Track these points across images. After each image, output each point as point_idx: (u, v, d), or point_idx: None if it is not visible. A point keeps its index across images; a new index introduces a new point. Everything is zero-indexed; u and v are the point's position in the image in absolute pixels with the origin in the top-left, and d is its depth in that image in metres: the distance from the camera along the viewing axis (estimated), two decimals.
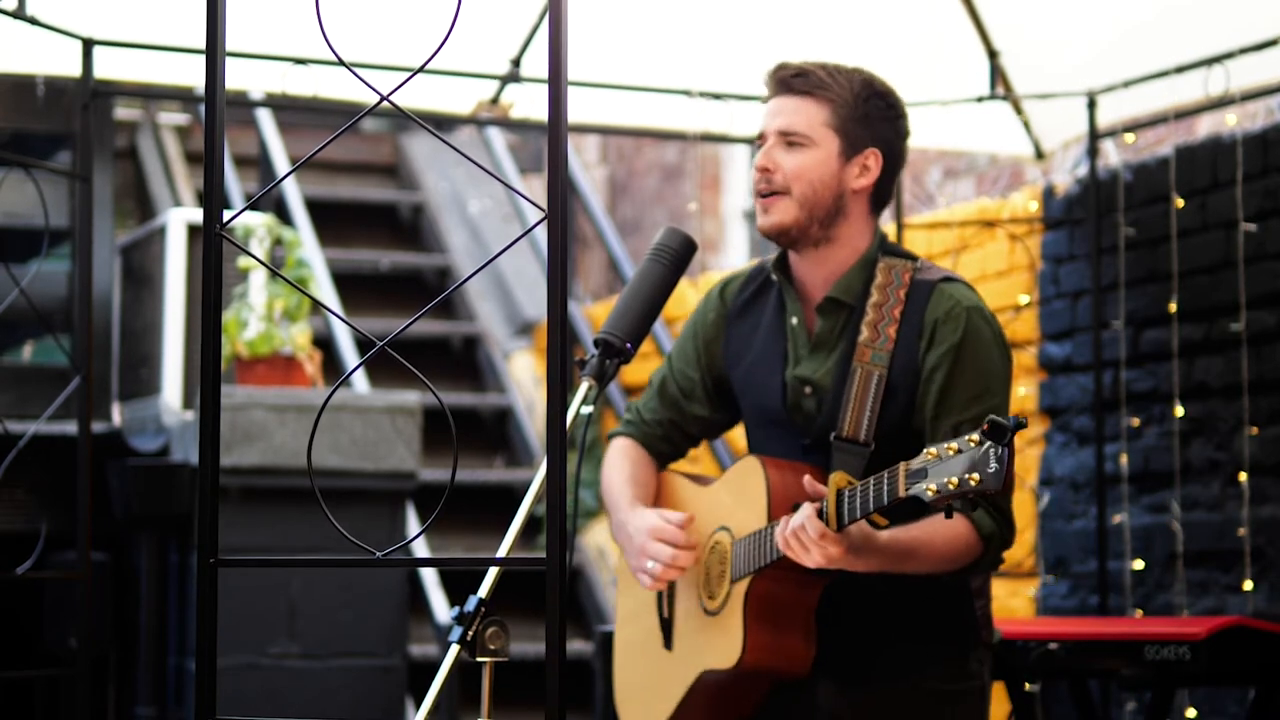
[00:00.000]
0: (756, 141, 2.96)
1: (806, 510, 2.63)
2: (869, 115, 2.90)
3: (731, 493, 2.93)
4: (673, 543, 2.86)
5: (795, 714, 2.89)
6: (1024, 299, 5.21)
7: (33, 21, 3.75)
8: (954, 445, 2.45)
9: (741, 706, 2.90)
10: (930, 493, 2.46)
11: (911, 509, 2.60)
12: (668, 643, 2.97)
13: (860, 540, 2.65)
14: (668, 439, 3.11)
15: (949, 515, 2.52)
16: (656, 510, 2.93)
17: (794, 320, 2.95)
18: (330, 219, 7.58)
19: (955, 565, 2.78)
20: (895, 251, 2.94)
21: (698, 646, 2.90)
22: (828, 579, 2.81)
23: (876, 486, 2.55)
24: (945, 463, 2.45)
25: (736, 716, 2.91)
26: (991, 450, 2.40)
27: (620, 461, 3.06)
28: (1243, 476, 4.37)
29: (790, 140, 2.88)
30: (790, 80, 2.90)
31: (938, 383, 2.80)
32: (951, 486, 2.43)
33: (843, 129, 2.88)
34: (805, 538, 2.62)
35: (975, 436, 2.42)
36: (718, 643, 2.84)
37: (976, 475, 2.41)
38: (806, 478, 2.70)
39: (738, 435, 3.18)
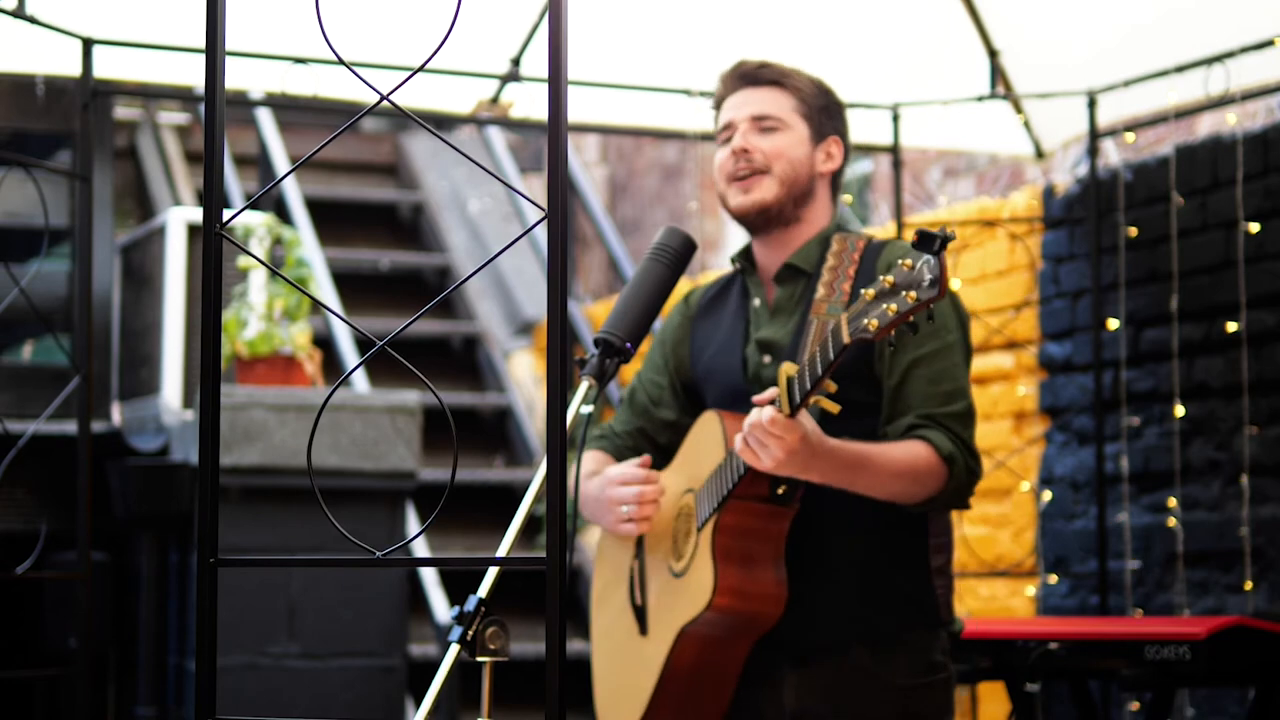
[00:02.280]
0: (719, 135, 3.02)
1: (758, 409, 2.64)
2: (828, 107, 3.02)
3: (690, 454, 2.96)
4: (634, 480, 2.90)
5: (767, 714, 2.89)
6: (1024, 299, 5.21)
7: (32, 21, 3.75)
8: (887, 278, 2.44)
9: (720, 679, 2.86)
10: (873, 327, 2.44)
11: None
12: (643, 628, 2.96)
13: (815, 437, 2.66)
14: (637, 450, 3.12)
15: (892, 345, 2.51)
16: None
17: (756, 302, 3.01)
18: (330, 219, 7.58)
19: (917, 485, 2.77)
20: (848, 230, 3.04)
21: (670, 612, 2.87)
22: (793, 509, 2.81)
23: (821, 351, 2.55)
24: (881, 298, 2.45)
25: (714, 695, 2.88)
26: (924, 264, 2.40)
27: (591, 466, 3.08)
28: (1243, 477, 4.37)
29: (764, 125, 2.97)
30: (756, 72, 3.01)
31: None
32: (892, 312, 2.42)
33: (810, 116, 2.99)
34: (760, 433, 2.62)
35: (907, 260, 2.41)
36: (687, 596, 2.82)
37: (913, 293, 2.40)
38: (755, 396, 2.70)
39: None
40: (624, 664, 2.99)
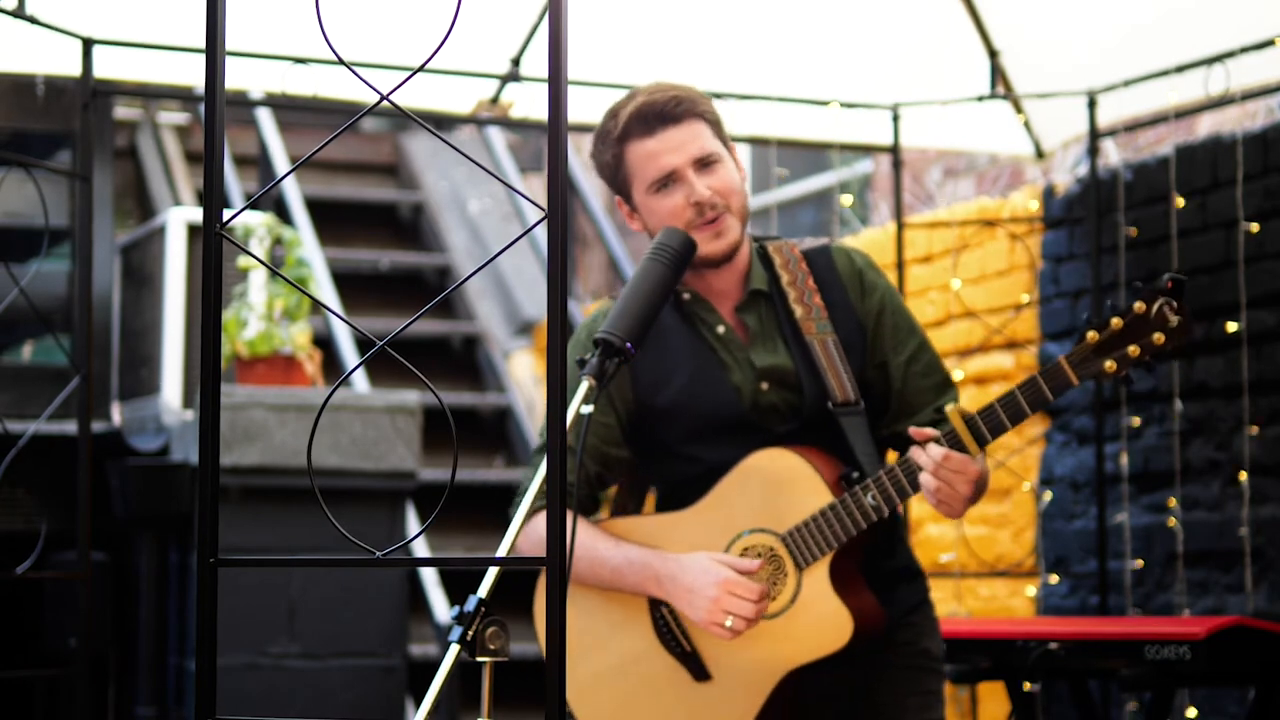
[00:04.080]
0: (653, 184, 2.89)
1: (937, 449, 2.71)
2: (718, 119, 2.95)
3: (750, 493, 2.88)
4: (748, 597, 2.80)
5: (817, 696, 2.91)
6: (1024, 298, 5.21)
7: (33, 21, 3.75)
8: (1116, 320, 2.59)
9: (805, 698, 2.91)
10: (1111, 369, 2.59)
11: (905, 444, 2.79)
12: (699, 674, 2.91)
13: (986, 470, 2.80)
14: (593, 496, 3.12)
15: (1127, 383, 2.63)
16: (711, 556, 2.84)
17: (720, 329, 2.96)
18: (330, 219, 7.58)
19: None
20: (764, 237, 3.04)
21: (761, 654, 2.85)
22: (868, 541, 2.85)
23: (1031, 394, 2.67)
24: (1114, 337, 2.59)
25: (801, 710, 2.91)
26: (1168, 307, 2.56)
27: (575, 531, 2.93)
28: (1243, 476, 4.37)
29: (704, 162, 2.89)
30: (672, 111, 2.88)
31: (888, 322, 2.96)
32: (1134, 355, 2.58)
33: (721, 137, 2.94)
34: (947, 475, 2.70)
35: (1140, 304, 2.57)
36: (808, 633, 2.82)
37: (1160, 334, 2.56)
38: (912, 429, 2.77)
39: None
40: (674, 710, 2.94)
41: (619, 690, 2.98)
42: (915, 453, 2.74)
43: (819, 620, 2.81)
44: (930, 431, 2.73)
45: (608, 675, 2.99)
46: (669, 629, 2.94)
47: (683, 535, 2.93)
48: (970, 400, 4.75)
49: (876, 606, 2.87)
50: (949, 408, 2.73)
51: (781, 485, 2.85)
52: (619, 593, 2.96)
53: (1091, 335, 2.57)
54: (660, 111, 2.88)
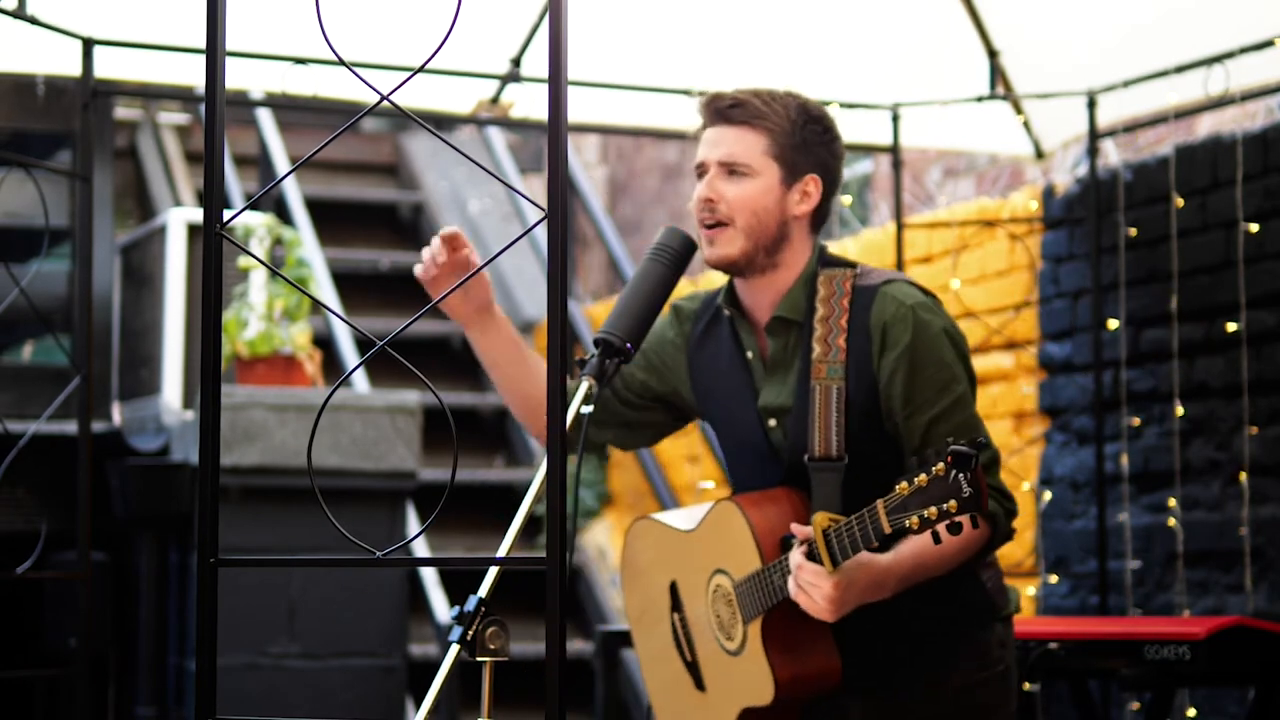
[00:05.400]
0: (696, 170, 2.93)
1: (798, 558, 2.67)
2: (807, 141, 2.90)
3: (717, 537, 2.94)
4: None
5: None
6: (1024, 298, 5.21)
7: (33, 21, 3.75)
8: (922, 476, 2.51)
9: None
10: (914, 525, 2.53)
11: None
12: (699, 684, 2.98)
13: (866, 571, 2.69)
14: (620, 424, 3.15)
15: (937, 541, 2.58)
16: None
17: (749, 354, 2.96)
18: (330, 219, 7.58)
19: (969, 554, 2.80)
20: (834, 262, 2.95)
21: (730, 687, 2.91)
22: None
23: (860, 526, 2.60)
24: (919, 492, 2.52)
25: None
26: (961, 476, 2.47)
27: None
28: (1243, 476, 4.37)
29: (732, 170, 2.88)
30: (727, 111, 2.89)
31: (899, 385, 2.82)
32: (932, 516, 2.51)
33: (782, 157, 2.89)
34: (806, 585, 2.65)
35: (940, 466, 2.48)
36: (748, 681, 2.85)
37: (954, 502, 2.48)
38: (793, 525, 2.73)
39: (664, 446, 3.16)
40: (685, 711, 3.03)
41: (659, 677, 3.09)
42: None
43: (753, 673, 2.84)
44: (805, 531, 2.68)
45: (657, 658, 3.09)
46: (679, 637, 3.00)
47: (684, 555, 3.00)
48: None
49: (826, 668, 2.83)
50: (816, 515, 2.66)
51: (727, 539, 2.89)
52: (654, 587, 3.06)
53: (901, 486, 2.53)
54: (718, 109, 2.91)
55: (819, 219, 2.96)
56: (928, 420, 2.81)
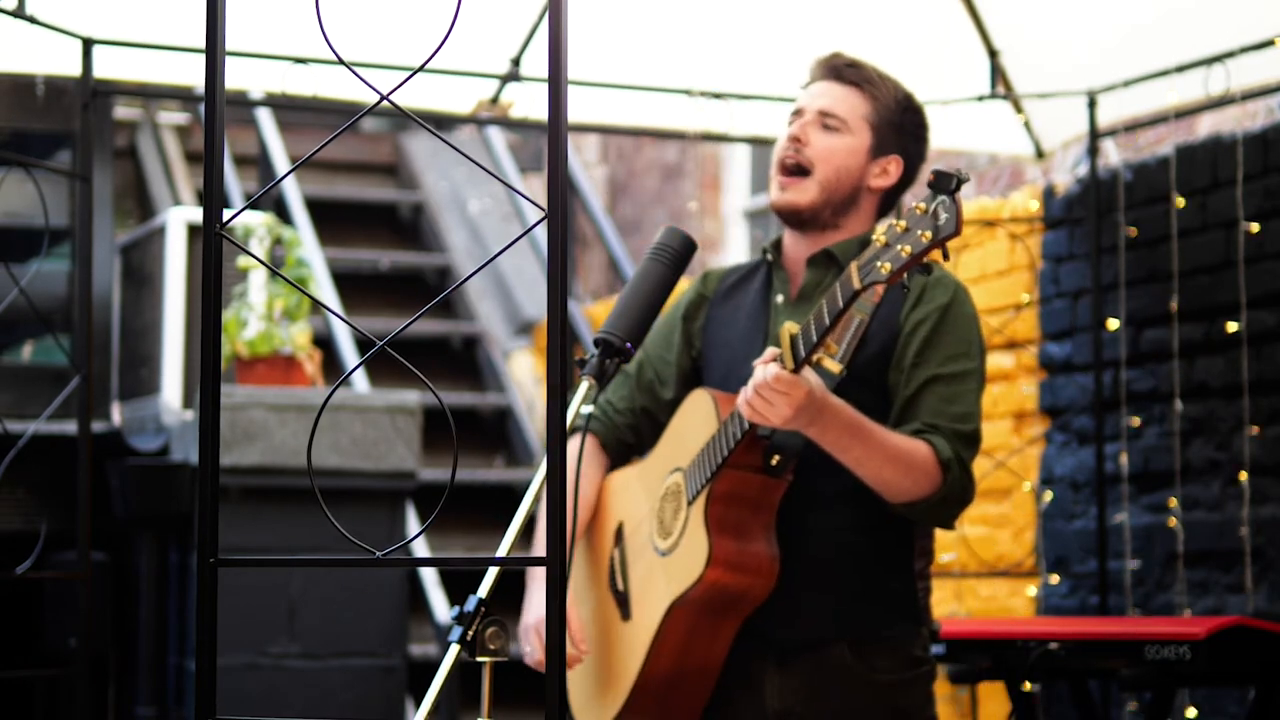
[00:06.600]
0: (791, 117, 2.98)
1: (761, 367, 2.63)
2: (903, 124, 2.99)
3: (678, 432, 2.93)
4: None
5: (746, 715, 2.88)
6: (1024, 298, 5.21)
7: (32, 21, 3.74)
8: (900, 222, 2.44)
9: (704, 667, 2.84)
10: (885, 269, 2.45)
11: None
12: (625, 613, 2.95)
13: (819, 393, 2.65)
14: (635, 429, 3.10)
15: (905, 288, 2.50)
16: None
17: (779, 299, 2.97)
18: (330, 219, 7.58)
19: (908, 479, 2.74)
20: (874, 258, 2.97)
21: (657, 591, 2.86)
22: (785, 481, 2.81)
23: (829, 301, 2.55)
24: (894, 243, 2.45)
25: (697, 685, 2.87)
26: (940, 204, 2.40)
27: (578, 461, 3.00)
28: (1243, 476, 4.37)
29: (827, 122, 2.94)
30: (843, 69, 2.98)
31: (921, 336, 2.85)
32: (906, 254, 2.43)
33: (878, 127, 2.96)
34: (766, 390, 2.60)
35: (920, 204, 2.42)
36: (679, 570, 2.81)
37: (928, 232, 2.40)
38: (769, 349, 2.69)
39: None
40: (605, 651, 2.98)
41: (593, 625, 3.05)
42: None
43: (688, 553, 2.80)
44: (772, 351, 2.65)
45: (584, 620, 3.06)
46: (614, 571, 2.99)
47: (645, 473, 2.98)
48: None
49: (765, 561, 2.79)
50: (785, 324, 2.64)
51: (689, 423, 2.89)
52: (604, 533, 3.04)
53: (878, 238, 2.46)
54: (834, 66, 2.98)
55: (888, 201, 3.00)
56: (929, 376, 2.83)
